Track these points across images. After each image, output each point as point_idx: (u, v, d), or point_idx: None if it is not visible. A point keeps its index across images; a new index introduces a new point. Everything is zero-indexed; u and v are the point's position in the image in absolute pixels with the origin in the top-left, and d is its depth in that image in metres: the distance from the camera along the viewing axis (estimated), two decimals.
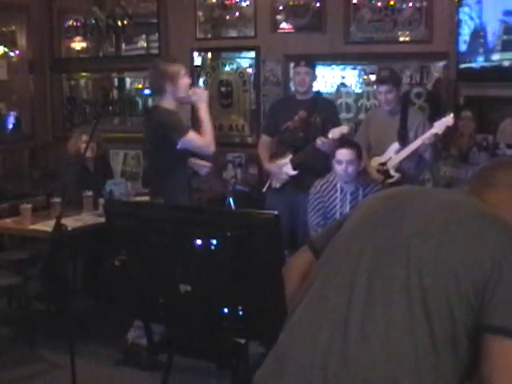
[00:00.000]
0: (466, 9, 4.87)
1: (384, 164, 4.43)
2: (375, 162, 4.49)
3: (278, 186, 4.69)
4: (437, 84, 5.28)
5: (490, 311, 1.38)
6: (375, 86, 5.53)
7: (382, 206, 1.66)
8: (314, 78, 4.84)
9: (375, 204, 1.70)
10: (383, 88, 4.45)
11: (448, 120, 4.20)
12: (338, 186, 4.20)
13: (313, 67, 4.78)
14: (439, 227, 1.49)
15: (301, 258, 1.83)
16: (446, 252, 1.44)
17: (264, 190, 4.84)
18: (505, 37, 4.65)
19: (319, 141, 4.40)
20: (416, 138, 4.38)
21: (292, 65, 5.27)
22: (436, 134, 4.21)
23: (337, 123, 4.59)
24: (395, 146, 4.40)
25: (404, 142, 4.39)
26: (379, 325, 1.41)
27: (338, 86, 5.66)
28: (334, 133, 4.39)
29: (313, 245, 1.81)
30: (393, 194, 1.77)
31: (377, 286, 1.46)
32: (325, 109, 4.72)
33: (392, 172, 4.38)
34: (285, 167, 4.64)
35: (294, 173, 4.60)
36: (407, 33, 5.37)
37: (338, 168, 4.12)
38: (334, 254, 1.61)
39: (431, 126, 4.32)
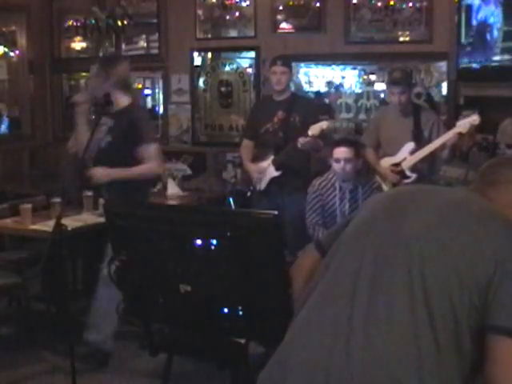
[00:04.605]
0: (466, 9, 4.87)
1: (398, 164, 4.37)
2: (387, 162, 4.43)
3: (262, 188, 4.68)
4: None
5: (493, 311, 1.38)
6: (377, 86, 5.56)
7: (385, 206, 1.65)
8: (291, 77, 4.81)
9: (378, 204, 1.70)
10: (396, 89, 4.33)
11: (474, 119, 4.08)
12: (337, 184, 4.20)
13: (290, 66, 4.74)
14: (441, 227, 1.48)
15: (308, 258, 1.84)
16: (447, 252, 1.43)
17: (248, 194, 4.82)
18: (505, 37, 4.64)
19: (301, 140, 4.38)
20: (430, 137, 4.32)
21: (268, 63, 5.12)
22: (460, 134, 4.10)
23: (316, 121, 4.49)
24: (410, 146, 4.32)
25: (418, 142, 4.34)
26: (382, 325, 1.41)
27: (338, 85, 5.66)
28: (314, 129, 4.35)
29: (319, 244, 1.81)
30: (395, 194, 1.77)
31: (379, 287, 1.46)
32: (303, 108, 4.68)
33: (408, 173, 4.33)
34: (268, 169, 4.63)
35: (277, 173, 4.58)
36: (407, 33, 5.38)
37: (336, 166, 4.12)
38: (338, 255, 1.61)
39: (451, 126, 4.28)
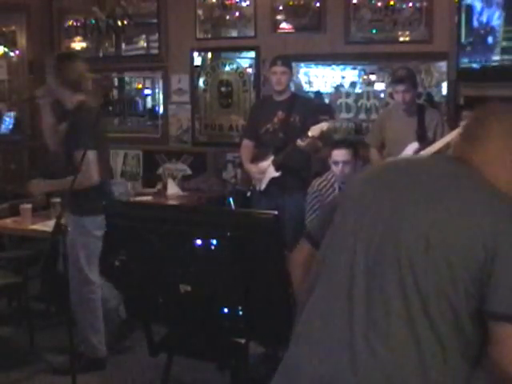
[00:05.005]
0: (466, 9, 4.87)
1: None
2: None
3: (262, 188, 4.68)
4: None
5: (490, 298, 1.38)
6: (377, 86, 5.55)
7: (371, 192, 1.59)
8: (291, 77, 4.81)
9: (364, 197, 1.61)
10: (401, 87, 4.33)
11: None
12: (336, 185, 4.20)
13: (290, 66, 4.74)
14: (426, 221, 1.44)
15: (302, 251, 1.80)
16: (436, 246, 1.40)
17: (248, 194, 4.81)
18: (505, 37, 4.65)
19: (300, 141, 4.38)
20: (434, 137, 4.32)
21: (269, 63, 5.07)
22: None
23: (317, 121, 4.48)
24: (413, 146, 4.29)
25: (422, 142, 4.33)
26: (382, 333, 1.40)
27: (338, 85, 5.67)
28: (314, 130, 4.35)
29: (310, 237, 1.78)
30: (381, 175, 1.66)
31: (374, 293, 1.44)
32: (303, 108, 4.67)
33: None
34: (268, 169, 4.63)
35: (277, 174, 4.58)
36: (407, 33, 5.38)
37: (335, 169, 4.12)
38: (331, 252, 1.59)
39: (452, 126, 4.26)
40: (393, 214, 1.50)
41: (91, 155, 3.56)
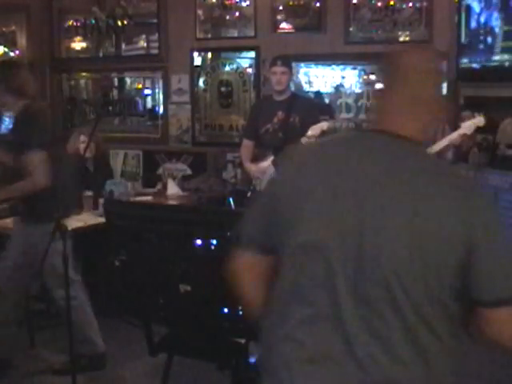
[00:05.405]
0: (466, 9, 4.87)
1: None
2: None
3: (262, 188, 4.68)
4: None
5: (474, 287, 1.41)
6: (377, 86, 5.56)
7: (330, 198, 1.46)
8: (291, 77, 4.81)
9: (319, 194, 1.48)
10: None
11: (479, 120, 4.04)
12: None
13: (290, 66, 4.75)
14: (403, 232, 1.39)
15: (248, 260, 1.68)
16: (418, 256, 1.38)
17: (249, 194, 4.81)
18: (505, 37, 4.64)
19: (302, 141, 4.38)
20: (435, 138, 4.32)
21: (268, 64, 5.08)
22: (464, 135, 4.04)
23: (316, 121, 4.49)
24: None
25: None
26: (384, 342, 1.41)
27: (338, 85, 5.67)
28: (314, 130, 4.36)
29: (254, 242, 1.64)
30: (329, 170, 1.51)
31: (365, 309, 1.42)
32: (303, 108, 4.69)
33: None
34: (267, 169, 4.63)
35: None
36: (407, 33, 5.38)
37: None
38: (301, 274, 1.49)
39: (452, 127, 4.26)
40: (362, 224, 1.41)
41: (41, 156, 3.47)
